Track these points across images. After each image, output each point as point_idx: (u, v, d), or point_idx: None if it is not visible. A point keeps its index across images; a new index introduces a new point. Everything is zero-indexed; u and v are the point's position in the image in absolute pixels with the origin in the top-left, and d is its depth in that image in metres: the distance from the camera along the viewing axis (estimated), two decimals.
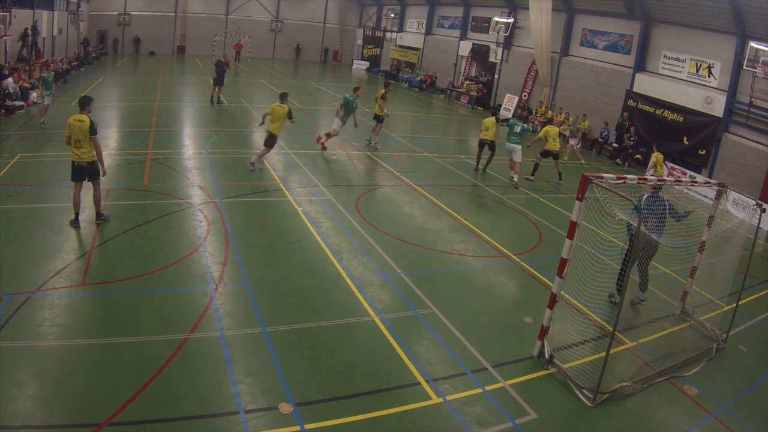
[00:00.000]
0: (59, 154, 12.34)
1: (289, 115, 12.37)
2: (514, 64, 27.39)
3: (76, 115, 8.46)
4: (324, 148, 15.02)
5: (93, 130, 8.42)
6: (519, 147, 13.86)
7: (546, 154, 14.59)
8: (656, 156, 15.19)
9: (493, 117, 14.54)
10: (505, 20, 27.04)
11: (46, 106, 15.15)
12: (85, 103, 8.61)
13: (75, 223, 8.62)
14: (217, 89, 20.46)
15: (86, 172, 8.60)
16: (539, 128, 23.34)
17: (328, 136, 14.97)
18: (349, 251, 8.82)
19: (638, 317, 7.80)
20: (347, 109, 14.76)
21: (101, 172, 8.72)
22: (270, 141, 12.38)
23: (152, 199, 10.19)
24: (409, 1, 38.23)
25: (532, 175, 14.75)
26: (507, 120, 14.52)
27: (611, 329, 5.85)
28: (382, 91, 16.32)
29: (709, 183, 8.61)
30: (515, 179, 13.93)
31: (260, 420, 4.95)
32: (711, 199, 8.74)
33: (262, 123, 12.70)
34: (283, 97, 12.61)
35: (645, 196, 7.59)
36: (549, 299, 6.38)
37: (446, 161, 15.73)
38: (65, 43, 28.89)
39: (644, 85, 19.99)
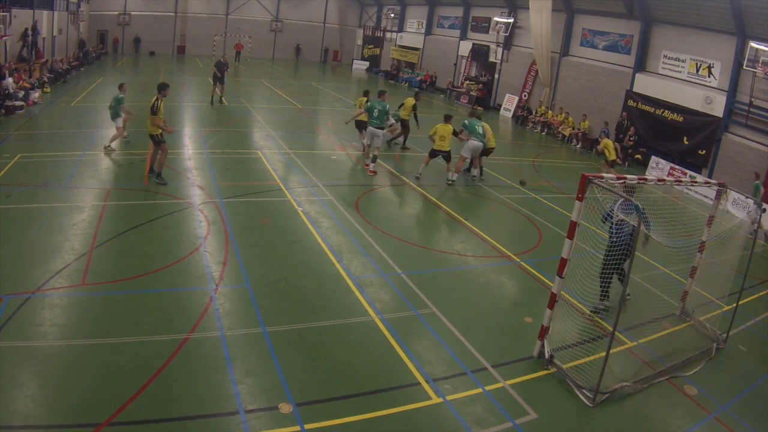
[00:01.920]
0: (59, 154, 12.35)
1: (454, 133, 13.47)
2: (514, 64, 27.39)
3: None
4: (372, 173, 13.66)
5: (151, 110, 10.54)
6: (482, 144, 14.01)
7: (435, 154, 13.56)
8: (604, 143, 15.20)
9: (451, 126, 13.39)
10: (505, 20, 27.05)
11: (121, 129, 13.39)
12: (161, 88, 10.70)
13: (150, 173, 11.16)
14: (218, 89, 20.44)
15: (151, 140, 10.94)
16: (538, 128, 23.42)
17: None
18: (349, 251, 8.82)
19: (638, 317, 7.79)
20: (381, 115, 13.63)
21: (166, 131, 10.99)
22: (435, 154, 13.35)
23: (152, 199, 10.19)
24: (409, 1, 38.24)
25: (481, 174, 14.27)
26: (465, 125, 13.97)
27: (611, 329, 5.85)
28: (363, 98, 15.58)
29: (709, 183, 8.61)
30: (481, 174, 14.35)
31: (260, 420, 4.95)
32: (711, 199, 8.73)
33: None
34: (447, 119, 13.39)
35: (619, 202, 7.35)
36: (549, 299, 6.38)
37: None
38: (65, 43, 28.89)
39: (644, 85, 20.00)
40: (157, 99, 10.53)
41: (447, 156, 13.34)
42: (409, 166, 14.55)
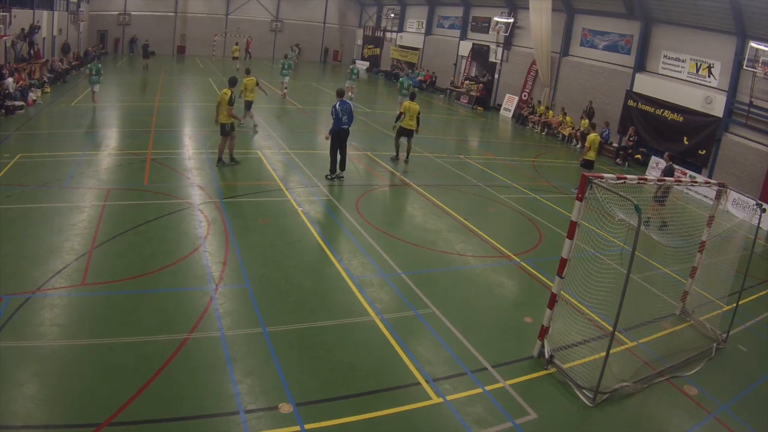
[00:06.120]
0: (59, 154, 12.35)
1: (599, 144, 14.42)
2: (514, 64, 27.38)
3: (224, 89, 12.13)
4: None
5: (231, 101, 11.99)
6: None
7: (587, 164, 14.02)
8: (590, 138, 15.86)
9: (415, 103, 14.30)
10: (505, 20, 27.04)
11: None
12: (233, 82, 12.48)
13: (218, 162, 12.52)
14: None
15: (222, 129, 12.22)
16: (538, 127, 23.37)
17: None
18: (349, 251, 8.82)
19: (638, 317, 7.79)
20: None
21: (238, 122, 12.98)
22: (587, 165, 14.19)
23: (152, 199, 10.19)
24: (409, 1, 38.22)
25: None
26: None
27: (611, 329, 5.85)
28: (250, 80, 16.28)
29: (709, 183, 8.61)
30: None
31: (260, 420, 4.95)
32: (711, 199, 8.73)
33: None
34: (594, 127, 14.94)
35: (337, 102, 12.10)
36: (549, 299, 6.38)
37: (446, 161, 15.73)
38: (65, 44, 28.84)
39: (644, 85, 19.99)
40: (232, 93, 12.08)
41: (587, 165, 13.94)
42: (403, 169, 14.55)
